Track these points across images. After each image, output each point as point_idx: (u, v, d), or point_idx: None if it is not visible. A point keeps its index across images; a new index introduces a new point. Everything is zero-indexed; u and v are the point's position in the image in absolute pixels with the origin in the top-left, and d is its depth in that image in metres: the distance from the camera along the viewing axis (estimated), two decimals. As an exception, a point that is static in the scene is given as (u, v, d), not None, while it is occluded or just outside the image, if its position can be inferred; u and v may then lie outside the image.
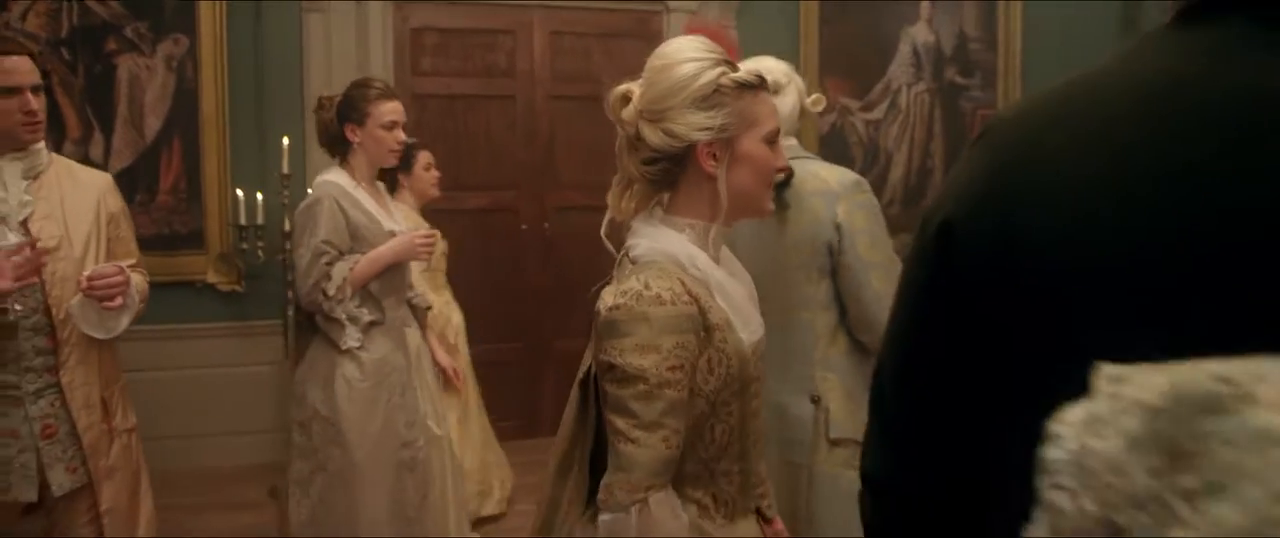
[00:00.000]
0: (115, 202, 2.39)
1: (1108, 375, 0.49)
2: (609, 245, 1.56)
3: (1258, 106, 0.56)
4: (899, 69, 5.24)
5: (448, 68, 4.76)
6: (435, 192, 3.71)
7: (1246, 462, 0.43)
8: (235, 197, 4.30)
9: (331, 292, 2.67)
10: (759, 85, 1.49)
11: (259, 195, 4.27)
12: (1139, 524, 0.46)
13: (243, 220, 4.28)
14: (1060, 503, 0.50)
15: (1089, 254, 0.62)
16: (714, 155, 1.45)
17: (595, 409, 1.49)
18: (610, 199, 1.52)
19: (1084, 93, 0.69)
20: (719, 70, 1.45)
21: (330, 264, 2.67)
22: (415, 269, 3.20)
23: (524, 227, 4.84)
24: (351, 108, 2.77)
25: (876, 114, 5.23)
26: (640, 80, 1.47)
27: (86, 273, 2.18)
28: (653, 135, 1.43)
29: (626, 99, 1.47)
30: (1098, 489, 0.48)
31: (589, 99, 4.83)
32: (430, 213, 3.70)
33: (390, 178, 3.68)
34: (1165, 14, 0.68)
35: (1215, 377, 0.45)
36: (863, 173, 5.11)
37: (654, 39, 4.86)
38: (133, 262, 2.37)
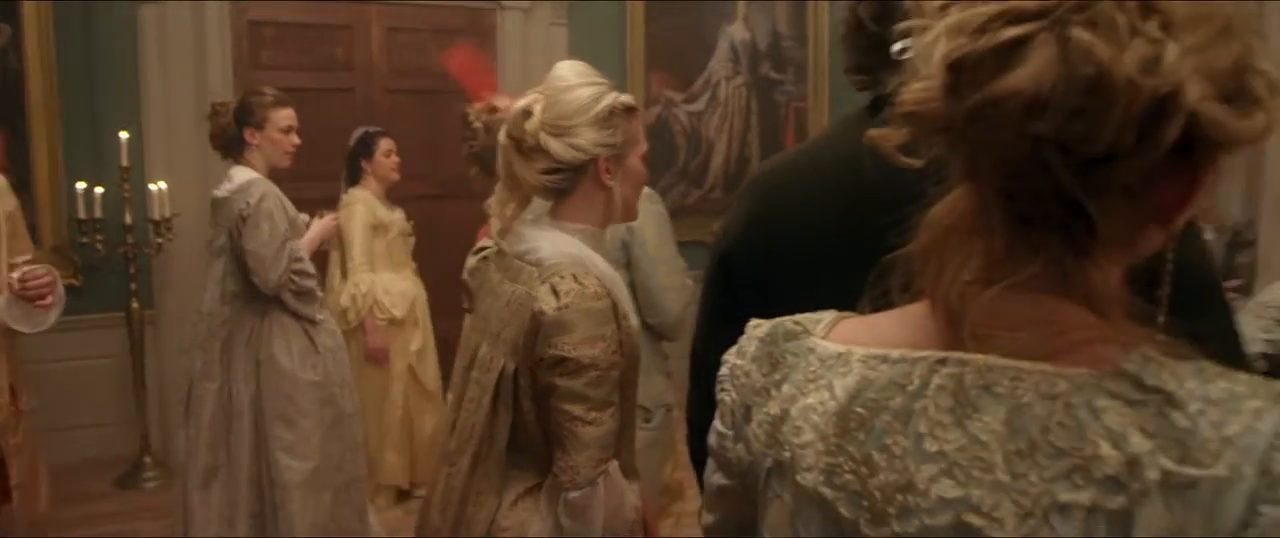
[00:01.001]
0: (11, 201, 2.53)
1: (751, 324, 0.84)
2: (501, 245, 1.72)
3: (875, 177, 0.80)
4: (719, 64, 5.65)
5: (286, 61, 4.86)
6: (396, 176, 4.12)
7: (801, 362, 0.76)
8: (72, 190, 4.29)
9: (309, 269, 3.08)
10: (636, 108, 1.71)
11: (99, 189, 4.27)
12: (756, 404, 0.78)
13: (82, 214, 4.27)
14: (722, 398, 0.84)
15: (796, 266, 1.04)
16: (608, 169, 1.64)
17: (512, 404, 1.62)
18: (495, 205, 1.69)
19: (804, 161, 1.15)
20: (614, 94, 1.65)
21: (291, 249, 3.05)
22: (384, 251, 3.95)
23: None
24: (250, 113, 3.12)
25: (698, 106, 5.63)
26: (537, 98, 1.62)
27: (16, 274, 2.34)
28: (558, 148, 1.59)
29: (528, 114, 1.60)
30: (738, 387, 0.81)
31: (425, 93, 5.03)
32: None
33: (354, 164, 4.07)
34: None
35: (793, 321, 0.80)
36: (686, 161, 5.57)
37: (487, 36, 5.10)
38: (29, 256, 2.53)
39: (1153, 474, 0.57)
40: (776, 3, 5.79)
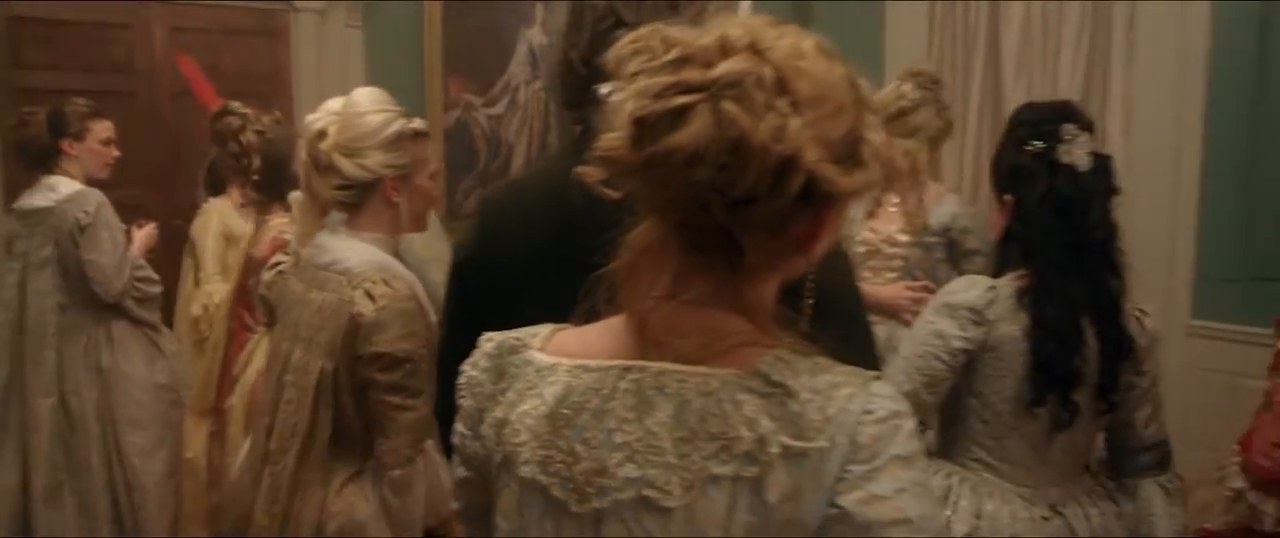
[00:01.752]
0: None
1: (483, 338, 0.99)
2: (300, 257, 1.89)
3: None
4: (517, 68, 5.75)
5: (57, 62, 4.57)
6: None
7: (521, 372, 0.93)
8: None
9: (151, 275, 3.15)
10: (426, 134, 1.93)
11: None
12: (487, 409, 0.95)
13: None
14: (462, 403, 1.00)
15: (516, 281, 1.19)
16: (395, 187, 1.84)
17: (333, 401, 1.79)
18: (297, 215, 1.92)
19: (526, 185, 1.32)
20: (402, 121, 1.84)
21: (132, 257, 3.11)
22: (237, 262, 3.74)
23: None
24: (67, 124, 3.13)
25: (498, 109, 5.71)
26: (332, 119, 1.82)
27: None
28: (349, 167, 1.79)
29: (324, 134, 1.80)
30: (473, 394, 0.98)
31: (219, 95, 4.87)
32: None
33: (214, 173, 3.97)
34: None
35: (515, 336, 0.97)
36: (486, 164, 5.64)
37: (279, 37, 4.99)
38: None
39: (775, 449, 0.78)
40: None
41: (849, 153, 0.80)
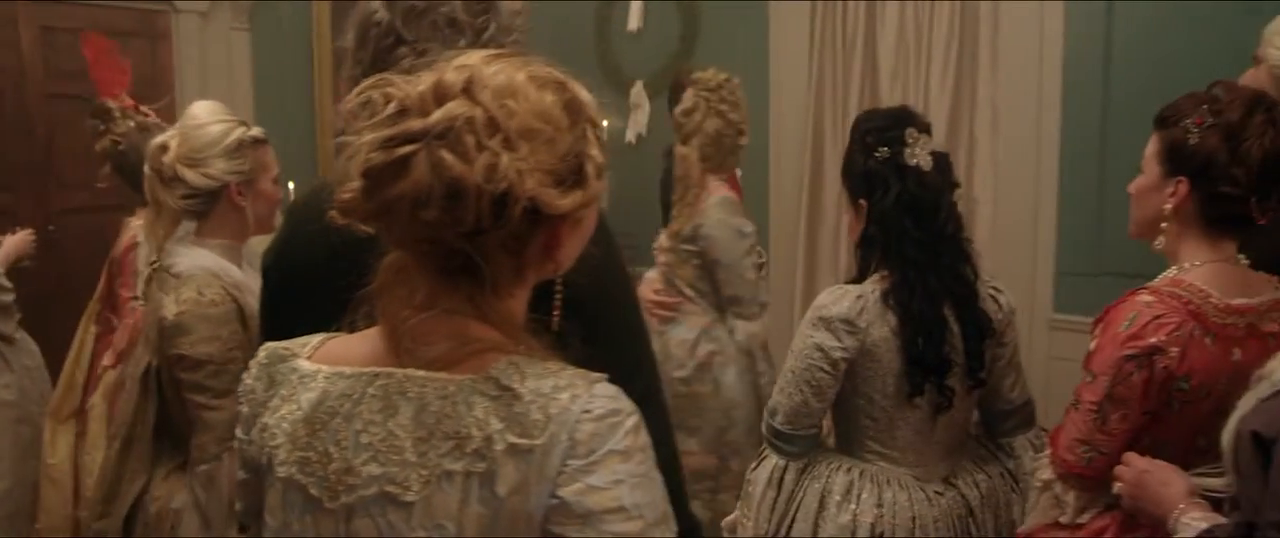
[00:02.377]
0: None
1: (262, 348, 1.04)
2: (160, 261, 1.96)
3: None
4: (410, 71, 5.72)
5: (-92, 60, 4.40)
6: None
7: (287, 379, 0.98)
8: None
9: (6, 284, 3.12)
10: (265, 140, 1.99)
11: None
12: (258, 414, 0.99)
13: None
14: (241, 409, 1.04)
15: (302, 291, 1.22)
16: (240, 192, 1.92)
17: (157, 395, 1.89)
18: (146, 226, 1.99)
19: (316, 199, 1.30)
20: (243, 129, 1.92)
21: None
22: None
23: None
24: None
25: (391, 112, 5.67)
26: (173, 133, 1.90)
27: None
28: (193, 177, 1.86)
29: (165, 148, 1.88)
30: (248, 401, 1.02)
31: (93, 98, 4.73)
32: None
33: None
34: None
35: (284, 346, 1.02)
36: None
37: (161, 38, 4.88)
38: None
39: (501, 446, 0.85)
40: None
41: (571, 172, 0.88)
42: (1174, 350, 1.41)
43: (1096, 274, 3.87)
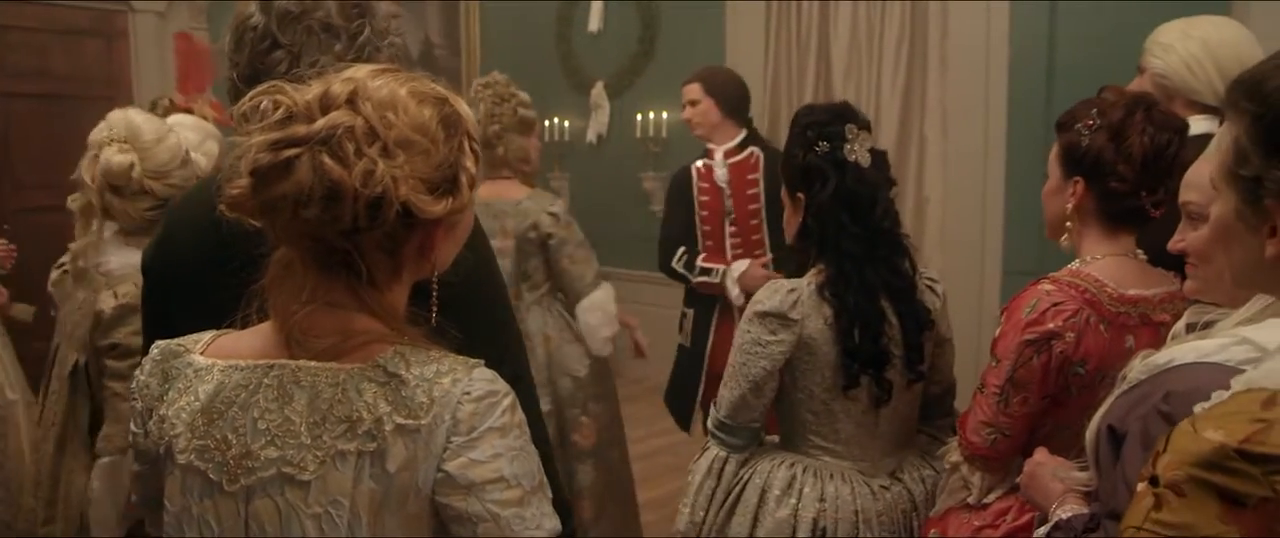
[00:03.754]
0: None
1: (154, 345, 1.08)
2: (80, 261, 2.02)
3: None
4: (372, 71, 5.73)
5: None
6: None
7: (181, 373, 1.03)
8: None
9: None
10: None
11: None
12: (154, 408, 1.04)
13: None
14: (134, 405, 1.09)
15: (186, 287, 1.26)
16: None
17: (89, 392, 1.90)
18: (80, 228, 2.02)
19: (199, 196, 1.33)
20: (191, 136, 2.07)
21: None
22: None
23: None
24: None
25: (352, 112, 5.68)
26: (126, 149, 1.96)
27: None
28: (161, 189, 1.96)
29: (131, 166, 1.94)
30: (143, 397, 1.07)
31: (48, 97, 4.72)
32: None
33: None
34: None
35: (176, 343, 1.06)
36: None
37: (117, 38, 4.87)
38: None
39: (390, 426, 0.93)
40: (428, 6, 5.95)
41: (445, 181, 0.95)
42: (1070, 335, 1.47)
43: (1040, 272, 3.96)
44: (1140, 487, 0.76)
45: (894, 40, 4.38)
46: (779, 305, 1.84)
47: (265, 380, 0.97)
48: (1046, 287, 1.54)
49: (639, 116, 5.54)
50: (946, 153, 4.28)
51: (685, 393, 3.54)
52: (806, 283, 1.87)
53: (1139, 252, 1.61)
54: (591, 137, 5.93)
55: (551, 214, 2.90)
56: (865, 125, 1.91)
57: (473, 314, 1.12)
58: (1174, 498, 0.72)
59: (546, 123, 6.11)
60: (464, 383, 0.95)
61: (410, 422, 0.93)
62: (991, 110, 4.05)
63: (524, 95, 3.02)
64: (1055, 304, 1.50)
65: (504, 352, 1.20)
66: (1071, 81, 3.80)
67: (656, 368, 5.85)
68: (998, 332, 1.56)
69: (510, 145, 2.94)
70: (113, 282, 1.91)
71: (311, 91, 0.93)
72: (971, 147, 4.15)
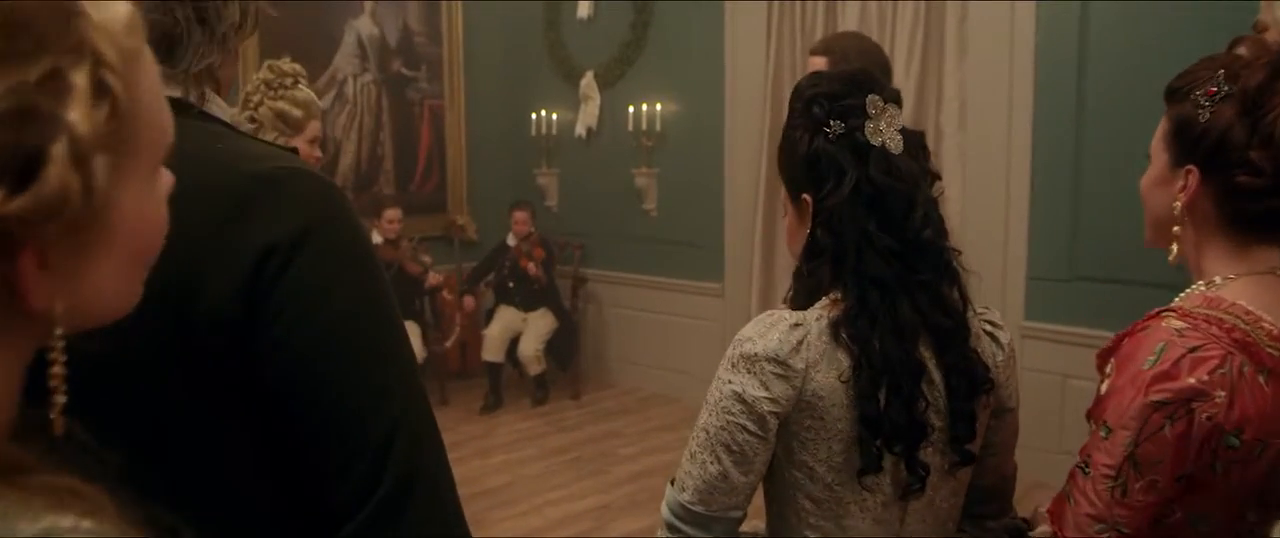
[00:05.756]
0: None
1: None
2: None
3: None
4: (345, 60, 5.39)
5: None
6: None
7: None
8: None
9: None
10: None
11: None
12: None
13: None
14: None
15: None
16: None
17: None
18: None
19: None
20: None
21: None
22: None
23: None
24: None
25: (324, 104, 5.32)
26: None
27: None
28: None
29: None
30: None
31: None
32: None
33: None
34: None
35: None
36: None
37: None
38: None
39: None
40: (407, -3, 5.62)
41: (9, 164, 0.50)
42: (1220, 394, 1.05)
43: (1069, 279, 3.65)
44: None
45: (908, 23, 4.06)
46: (776, 347, 1.28)
47: None
48: (1176, 324, 1.10)
49: (631, 109, 5.21)
50: (964, 147, 3.96)
51: None
52: (815, 318, 1.31)
53: None
54: (580, 130, 5.59)
55: None
56: (893, 98, 1.34)
57: (334, 389, 0.77)
58: None
59: (532, 114, 5.76)
60: None
61: None
62: (1016, 99, 3.73)
63: (304, 91, 2.47)
64: (1193, 350, 1.07)
65: (386, 447, 0.79)
66: (1108, 66, 3.48)
67: (650, 377, 5.56)
68: (1104, 387, 1.14)
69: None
70: None
71: None
72: (993, 140, 3.83)
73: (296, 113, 2.44)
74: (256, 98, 2.43)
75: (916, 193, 1.30)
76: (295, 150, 0.94)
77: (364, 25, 5.45)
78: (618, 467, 4.17)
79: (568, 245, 5.58)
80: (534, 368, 5.21)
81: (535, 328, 5.23)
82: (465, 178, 5.96)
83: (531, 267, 5.20)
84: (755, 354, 1.28)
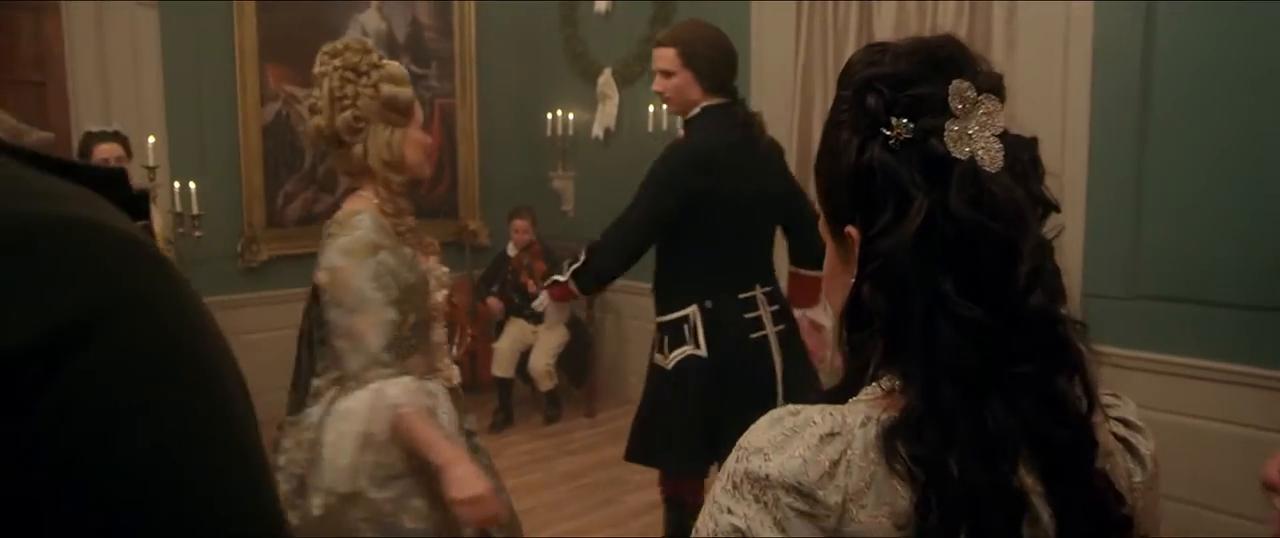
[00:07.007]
0: None
1: None
2: None
3: None
4: (350, 56, 5.12)
5: None
6: None
7: None
8: None
9: None
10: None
11: None
12: None
13: None
14: None
15: None
16: None
17: None
18: None
19: None
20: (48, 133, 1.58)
21: None
22: None
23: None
24: None
25: (327, 102, 5.08)
26: None
27: None
28: None
29: None
30: None
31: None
32: None
33: None
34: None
35: None
36: (314, 164, 4.97)
37: (47, 14, 4.27)
38: None
39: None
40: (416, -9, 5.35)
41: None
42: None
43: (1129, 298, 3.31)
44: None
45: (949, 22, 3.73)
46: (798, 470, 0.82)
47: None
48: None
49: (651, 108, 4.90)
50: (1012, 154, 3.63)
51: None
52: (859, 423, 0.85)
53: None
54: (598, 130, 5.30)
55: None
56: (992, 86, 0.86)
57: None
58: None
59: (547, 114, 5.47)
60: None
61: None
62: (1070, 101, 3.39)
63: (393, 66, 1.97)
64: None
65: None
66: (1176, 62, 3.14)
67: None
68: None
69: (374, 141, 1.91)
70: None
71: None
72: (1044, 145, 3.49)
73: (405, 92, 1.96)
74: (350, 92, 1.92)
75: (1021, 236, 0.83)
76: (123, 174, 0.62)
77: (370, 19, 5.19)
78: (631, 496, 3.87)
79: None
80: (546, 384, 4.92)
81: (546, 341, 4.94)
82: (477, 181, 5.69)
83: (532, 284, 4.89)
84: (768, 477, 0.83)
